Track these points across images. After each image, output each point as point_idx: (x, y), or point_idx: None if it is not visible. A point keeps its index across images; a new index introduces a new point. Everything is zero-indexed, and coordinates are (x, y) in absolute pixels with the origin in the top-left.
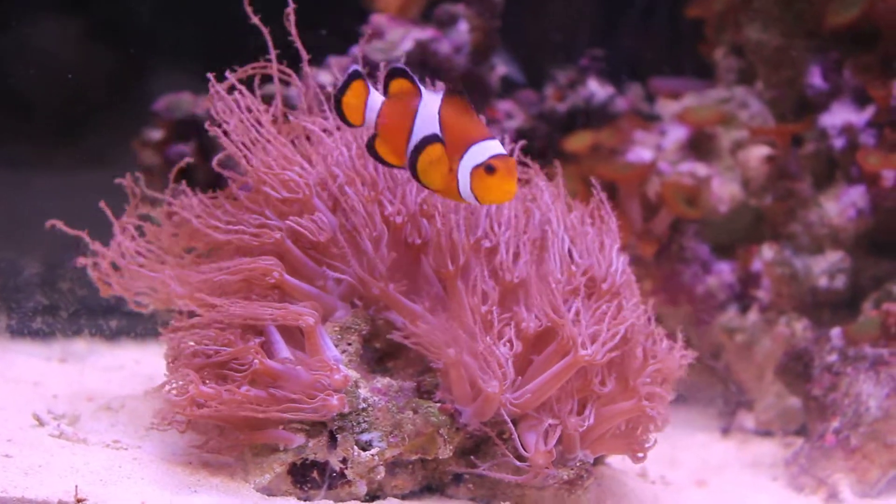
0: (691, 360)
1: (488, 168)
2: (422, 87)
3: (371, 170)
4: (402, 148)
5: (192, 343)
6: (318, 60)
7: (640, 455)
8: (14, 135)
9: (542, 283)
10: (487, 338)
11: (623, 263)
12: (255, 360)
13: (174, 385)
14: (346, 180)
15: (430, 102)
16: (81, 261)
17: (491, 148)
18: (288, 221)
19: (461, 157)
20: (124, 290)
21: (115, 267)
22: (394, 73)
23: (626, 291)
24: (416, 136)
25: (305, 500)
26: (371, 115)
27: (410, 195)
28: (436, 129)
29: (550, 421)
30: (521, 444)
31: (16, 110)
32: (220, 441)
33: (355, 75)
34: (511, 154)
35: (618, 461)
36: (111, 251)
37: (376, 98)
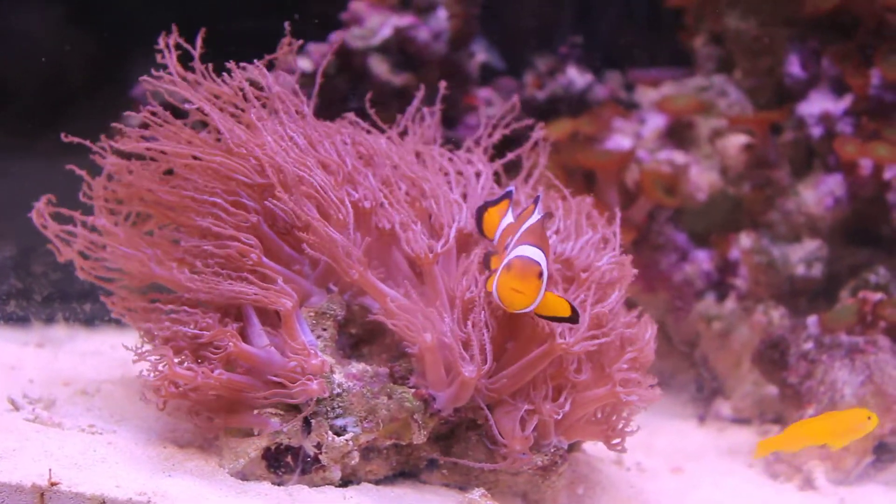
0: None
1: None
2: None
3: (335, 156)
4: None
5: (168, 324)
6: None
7: (616, 441)
8: None
9: None
10: (468, 323)
11: (605, 252)
12: (230, 343)
13: (151, 365)
14: (314, 165)
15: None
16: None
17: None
18: (266, 203)
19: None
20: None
21: (84, 256)
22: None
23: (606, 280)
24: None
25: (279, 485)
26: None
27: (374, 182)
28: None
29: (526, 407)
30: (498, 430)
31: None
32: (196, 425)
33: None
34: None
35: (593, 448)
36: (85, 231)
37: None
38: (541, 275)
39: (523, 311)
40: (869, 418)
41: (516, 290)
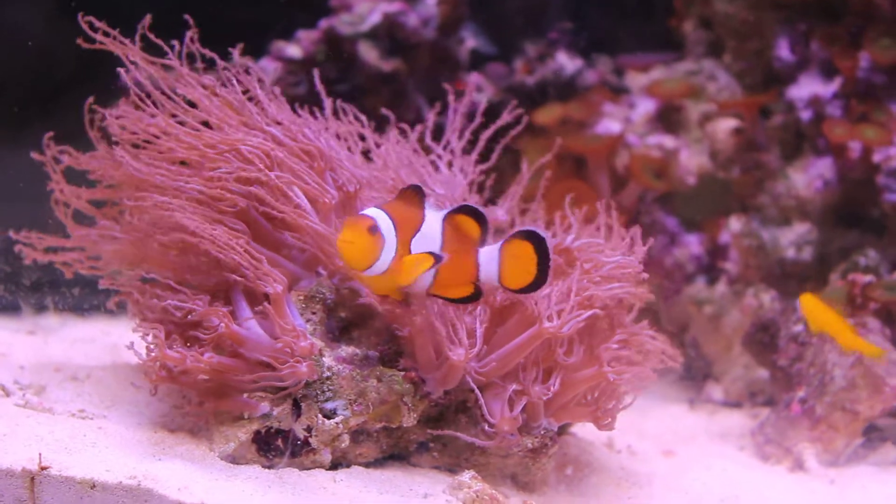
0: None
1: None
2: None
3: (321, 143)
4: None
5: (157, 303)
6: (286, 33)
7: (606, 422)
8: None
9: None
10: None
11: (594, 236)
12: (221, 325)
13: (143, 348)
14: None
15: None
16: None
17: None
18: (253, 189)
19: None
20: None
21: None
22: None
23: (597, 263)
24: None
25: (269, 468)
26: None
27: (360, 167)
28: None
29: (515, 387)
30: (487, 412)
31: None
32: (186, 409)
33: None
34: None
35: (584, 431)
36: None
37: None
38: (372, 230)
39: (366, 270)
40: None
41: (346, 241)
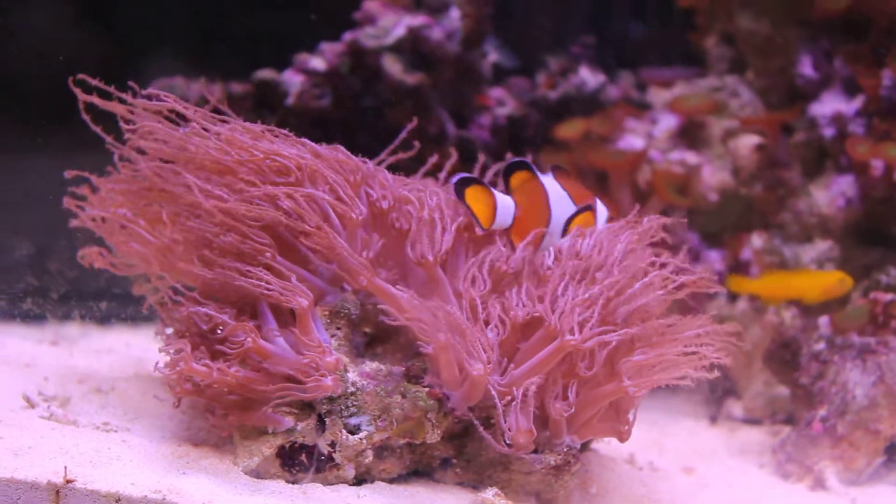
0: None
1: None
2: (538, 174)
3: (353, 157)
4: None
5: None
6: (309, 46)
7: (625, 429)
8: (5, 117)
9: (533, 271)
10: (473, 323)
11: (621, 250)
12: (248, 339)
13: (169, 360)
14: (329, 166)
15: (550, 184)
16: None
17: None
18: (281, 203)
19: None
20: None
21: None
22: (512, 168)
23: (622, 277)
24: (557, 216)
25: (293, 483)
26: (506, 217)
27: (392, 182)
28: (570, 204)
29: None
30: (508, 426)
31: (6, 93)
32: (210, 423)
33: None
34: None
35: (605, 447)
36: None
37: (507, 200)
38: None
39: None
40: (842, 280)
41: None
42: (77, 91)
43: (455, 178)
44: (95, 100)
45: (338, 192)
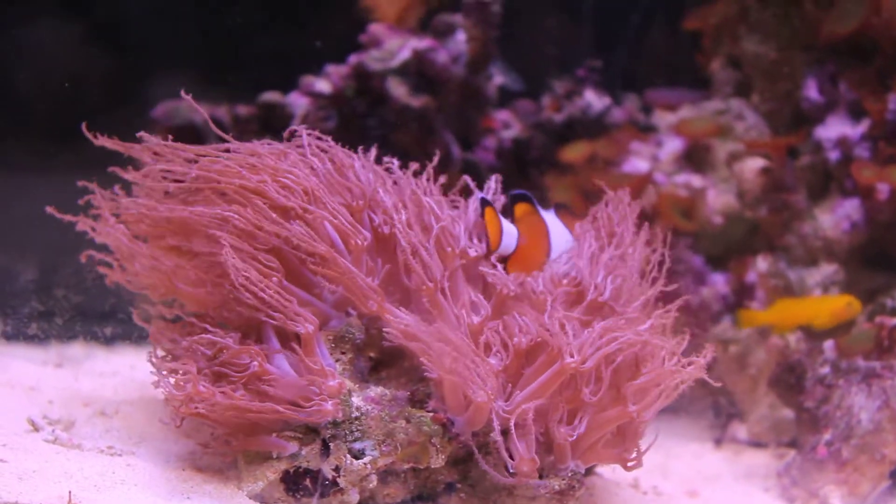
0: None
1: None
2: (539, 209)
3: (355, 180)
4: (537, 261)
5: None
6: (315, 69)
7: (632, 463)
8: (10, 139)
9: (533, 295)
10: (475, 349)
11: (625, 273)
12: (254, 363)
13: (174, 383)
14: (329, 190)
15: (552, 220)
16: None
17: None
18: (291, 226)
19: None
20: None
21: (110, 264)
22: (516, 199)
23: (624, 301)
24: (556, 247)
25: None
26: (510, 244)
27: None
28: (570, 238)
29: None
30: (510, 453)
31: (12, 114)
32: (214, 447)
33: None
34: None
35: (609, 472)
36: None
37: (512, 228)
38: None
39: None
40: (850, 304)
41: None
42: (90, 136)
43: (479, 195)
44: (106, 141)
45: (340, 220)
